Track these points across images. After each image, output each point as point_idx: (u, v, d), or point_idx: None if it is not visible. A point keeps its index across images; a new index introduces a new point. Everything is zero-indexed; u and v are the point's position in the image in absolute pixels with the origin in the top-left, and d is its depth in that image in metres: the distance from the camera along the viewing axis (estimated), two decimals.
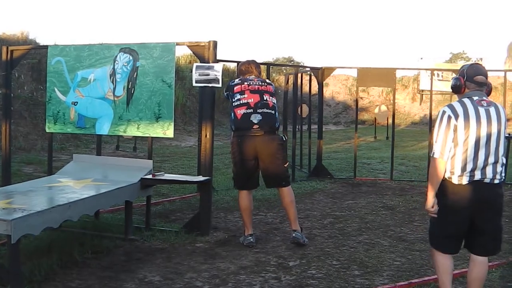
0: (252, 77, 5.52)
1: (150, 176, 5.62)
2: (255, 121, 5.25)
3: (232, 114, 5.39)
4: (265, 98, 5.36)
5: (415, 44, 60.72)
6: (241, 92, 5.38)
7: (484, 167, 3.46)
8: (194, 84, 5.83)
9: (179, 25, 54.97)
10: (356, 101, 11.06)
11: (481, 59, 26.28)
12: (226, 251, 5.24)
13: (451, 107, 3.53)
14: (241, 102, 5.34)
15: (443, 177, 3.53)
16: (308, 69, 10.26)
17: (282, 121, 6.02)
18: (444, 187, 3.54)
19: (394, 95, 10.34)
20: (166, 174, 6.12)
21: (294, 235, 5.41)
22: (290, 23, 66.57)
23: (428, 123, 10.15)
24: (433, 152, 3.54)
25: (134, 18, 59.31)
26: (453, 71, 18.09)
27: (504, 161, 3.57)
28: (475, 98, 3.53)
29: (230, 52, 17.69)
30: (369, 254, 5.19)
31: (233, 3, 65.18)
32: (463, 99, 3.56)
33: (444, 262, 3.62)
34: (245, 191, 5.47)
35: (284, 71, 15.22)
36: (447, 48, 54.10)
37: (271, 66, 9.53)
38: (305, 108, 10.70)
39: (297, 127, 10.55)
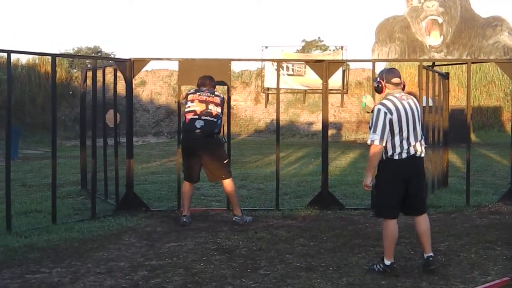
0: (204, 89, 7.96)
1: None
2: (198, 126, 7.70)
3: (183, 118, 7.99)
4: (209, 108, 7.81)
5: (259, 31, 61.63)
6: (192, 101, 7.87)
7: (414, 145, 5.67)
8: None
9: None
10: (178, 104, 9.62)
11: (341, 47, 26.65)
12: None
13: (384, 105, 5.60)
14: (190, 109, 7.84)
15: (383, 157, 5.61)
16: (112, 62, 9.19)
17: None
18: (386, 164, 5.64)
19: (229, 95, 9.60)
20: None
21: (234, 219, 7.95)
22: (98, 7, 64.80)
23: (276, 131, 9.26)
24: (373, 140, 5.54)
25: None
26: (306, 61, 17.34)
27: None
28: (397, 95, 5.69)
29: (26, 42, 16.28)
30: None
31: None
32: (391, 98, 5.66)
33: (392, 228, 5.70)
34: (188, 183, 7.99)
35: (90, 65, 13.27)
36: (298, 36, 55.44)
37: (57, 57, 8.28)
38: (118, 115, 9.88)
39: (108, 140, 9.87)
